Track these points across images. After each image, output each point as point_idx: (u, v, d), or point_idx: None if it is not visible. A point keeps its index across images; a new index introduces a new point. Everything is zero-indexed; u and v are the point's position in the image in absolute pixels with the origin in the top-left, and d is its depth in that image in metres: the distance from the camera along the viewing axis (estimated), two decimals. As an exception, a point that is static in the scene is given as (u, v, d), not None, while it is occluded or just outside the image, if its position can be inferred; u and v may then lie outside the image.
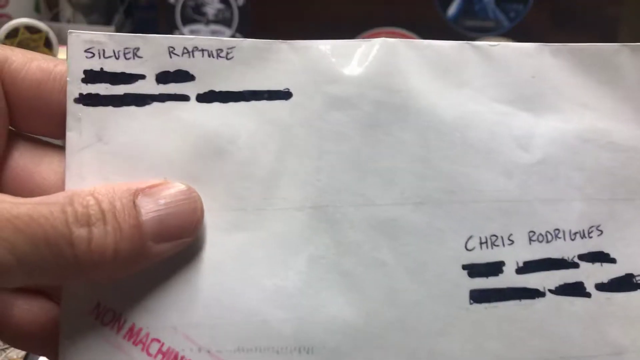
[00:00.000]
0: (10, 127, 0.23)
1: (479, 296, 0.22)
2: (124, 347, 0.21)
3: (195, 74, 0.22)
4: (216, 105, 0.22)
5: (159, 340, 0.22)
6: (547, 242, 0.23)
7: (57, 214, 0.19)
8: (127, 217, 0.20)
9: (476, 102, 0.23)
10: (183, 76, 0.22)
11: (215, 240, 0.22)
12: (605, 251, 0.23)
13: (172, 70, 0.22)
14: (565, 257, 0.23)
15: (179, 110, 0.22)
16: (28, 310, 0.22)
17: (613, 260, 0.23)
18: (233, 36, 0.85)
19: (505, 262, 0.23)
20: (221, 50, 0.22)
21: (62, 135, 0.22)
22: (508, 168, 0.23)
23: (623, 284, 0.23)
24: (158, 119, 0.22)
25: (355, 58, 0.23)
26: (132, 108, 0.22)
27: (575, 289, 0.23)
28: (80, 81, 0.22)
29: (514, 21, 0.84)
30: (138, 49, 0.22)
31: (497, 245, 0.23)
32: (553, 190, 0.23)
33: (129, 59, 0.22)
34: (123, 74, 0.22)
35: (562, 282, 0.23)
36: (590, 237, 0.23)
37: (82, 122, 0.22)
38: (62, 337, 0.21)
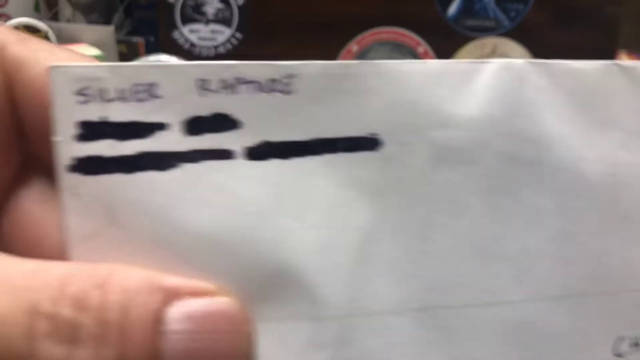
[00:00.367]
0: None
1: None
2: None
3: (240, 119, 0.15)
4: (273, 164, 0.16)
5: None
6: None
7: (19, 316, 0.12)
8: (141, 337, 0.13)
9: (630, 150, 0.17)
10: (223, 122, 0.15)
11: None
12: None
13: (206, 114, 0.15)
14: None
15: (219, 173, 0.15)
16: None
17: None
18: (233, 35, 0.85)
19: None
20: (276, 80, 0.15)
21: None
22: None
23: None
24: (190, 188, 0.15)
25: (471, 89, 0.16)
26: (152, 174, 0.15)
27: None
28: (73, 139, 0.15)
29: (514, 21, 0.84)
30: (154, 84, 0.15)
31: None
32: None
33: (142, 100, 0.15)
34: (135, 123, 0.15)
35: None
36: None
37: (82, 200, 0.15)
38: None
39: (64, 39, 0.72)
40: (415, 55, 0.83)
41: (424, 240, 0.16)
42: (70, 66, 0.15)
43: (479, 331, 0.16)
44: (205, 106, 0.15)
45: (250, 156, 0.16)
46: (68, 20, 0.84)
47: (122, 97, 0.15)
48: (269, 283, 0.16)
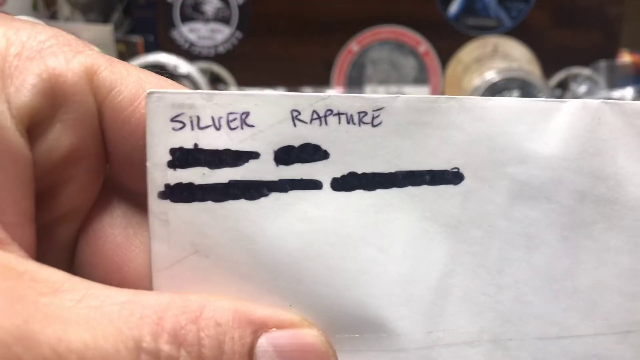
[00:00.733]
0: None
1: None
2: None
3: (329, 149, 0.16)
4: (358, 195, 0.16)
5: None
6: None
7: (125, 353, 0.12)
8: None
9: None
10: (313, 153, 0.16)
11: None
12: None
13: (297, 144, 0.16)
14: None
15: (306, 202, 0.16)
16: None
17: None
18: (233, 35, 0.84)
19: None
20: (365, 113, 0.16)
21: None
22: None
23: None
24: (277, 218, 0.16)
25: (549, 127, 0.17)
26: (242, 203, 0.15)
27: None
28: (166, 165, 0.15)
29: (515, 20, 0.84)
30: (248, 113, 0.15)
31: None
32: None
33: (234, 129, 0.15)
34: (227, 152, 0.15)
35: None
36: None
37: (170, 226, 0.15)
38: None
39: (62, 38, 0.71)
40: (415, 54, 0.83)
41: (499, 274, 0.17)
42: (166, 92, 0.15)
43: None
44: (297, 136, 0.16)
45: (336, 187, 0.16)
46: (67, 19, 0.84)
47: (216, 125, 0.15)
48: (350, 314, 0.16)
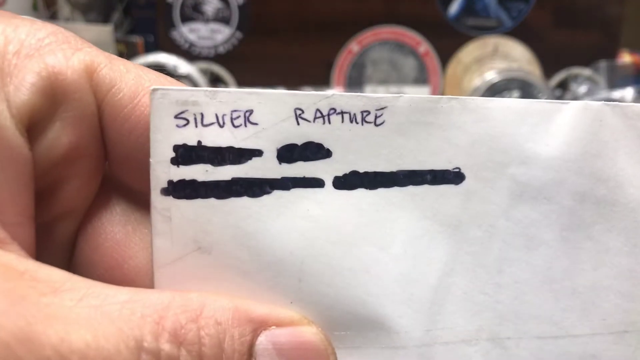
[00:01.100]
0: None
1: None
2: None
3: (331, 148, 0.16)
4: (360, 194, 0.16)
5: None
6: None
7: (126, 352, 0.12)
8: None
9: None
10: (316, 151, 0.16)
11: None
12: None
13: (300, 142, 0.16)
14: None
15: (308, 201, 0.16)
16: None
17: None
18: (233, 35, 0.84)
19: None
20: (368, 112, 0.16)
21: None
22: None
23: None
24: (279, 215, 0.16)
25: (551, 128, 0.17)
26: (244, 200, 0.15)
27: None
28: (169, 162, 0.15)
29: (516, 20, 0.84)
30: (251, 111, 0.15)
31: None
32: None
33: (238, 126, 0.15)
34: (231, 149, 0.15)
35: None
36: None
37: (173, 223, 0.15)
38: None
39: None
40: (416, 54, 0.83)
41: (499, 274, 0.17)
42: (171, 89, 0.15)
43: None
44: (300, 134, 0.16)
45: (338, 185, 0.16)
46: (66, 20, 0.84)
47: (219, 122, 0.15)
48: (351, 312, 0.16)
